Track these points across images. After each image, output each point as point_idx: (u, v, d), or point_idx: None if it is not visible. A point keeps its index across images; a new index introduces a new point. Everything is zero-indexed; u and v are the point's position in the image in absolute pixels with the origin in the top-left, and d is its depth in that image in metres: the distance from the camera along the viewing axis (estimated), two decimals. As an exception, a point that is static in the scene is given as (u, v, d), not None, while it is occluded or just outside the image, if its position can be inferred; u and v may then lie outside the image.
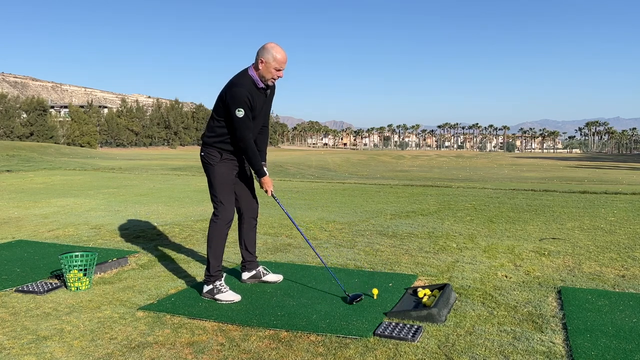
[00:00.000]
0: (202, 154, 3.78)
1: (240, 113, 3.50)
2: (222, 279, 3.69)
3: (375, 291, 3.60)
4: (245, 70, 3.61)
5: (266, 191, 3.82)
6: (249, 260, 4.01)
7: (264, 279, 4.01)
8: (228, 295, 3.59)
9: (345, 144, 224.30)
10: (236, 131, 3.57)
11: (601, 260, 4.59)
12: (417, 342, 2.82)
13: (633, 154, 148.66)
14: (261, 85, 3.60)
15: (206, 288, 3.66)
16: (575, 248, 5.04)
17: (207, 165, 3.77)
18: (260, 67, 3.54)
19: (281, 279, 4.05)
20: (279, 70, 3.56)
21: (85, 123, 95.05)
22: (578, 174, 39.99)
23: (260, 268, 4.05)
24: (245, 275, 4.04)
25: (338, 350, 2.74)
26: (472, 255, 4.82)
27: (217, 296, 3.59)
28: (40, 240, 5.68)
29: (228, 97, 3.54)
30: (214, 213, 3.75)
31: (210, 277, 3.65)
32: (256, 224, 4.06)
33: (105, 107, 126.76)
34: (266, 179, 3.77)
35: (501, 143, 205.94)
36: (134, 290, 3.83)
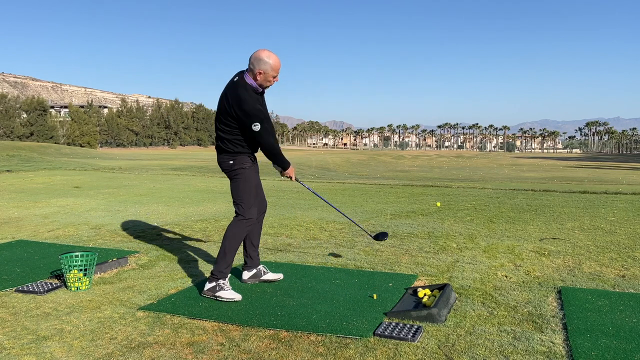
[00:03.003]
0: (231, 162, 3.78)
1: (257, 127, 3.60)
2: (227, 278, 3.71)
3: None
4: (243, 79, 3.66)
5: (290, 178, 3.99)
6: (251, 255, 4.02)
7: (264, 277, 4.01)
8: (229, 294, 3.60)
9: (345, 144, 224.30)
10: (261, 141, 3.69)
11: (601, 260, 4.59)
12: (417, 342, 2.82)
13: (633, 154, 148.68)
14: (260, 90, 3.74)
15: (208, 285, 3.65)
16: (575, 248, 5.04)
17: (237, 171, 3.79)
18: (258, 78, 3.64)
19: (281, 277, 4.07)
20: (276, 76, 3.71)
21: (85, 123, 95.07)
22: (578, 174, 40.00)
23: (261, 267, 4.07)
24: (246, 275, 4.04)
25: (338, 350, 2.74)
26: (472, 255, 4.82)
27: (218, 293, 3.60)
28: (40, 240, 5.68)
29: (241, 114, 3.60)
30: (239, 214, 3.78)
31: (217, 274, 3.65)
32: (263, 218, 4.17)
33: (105, 107, 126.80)
34: (291, 169, 3.95)
35: (501, 143, 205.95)
36: (134, 290, 3.83)
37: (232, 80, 3.72)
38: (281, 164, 3.87)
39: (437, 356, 2.66)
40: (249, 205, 3.77)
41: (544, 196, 9.27)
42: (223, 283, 3.65)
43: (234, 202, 3.82)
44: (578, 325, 3.04)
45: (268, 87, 3.74)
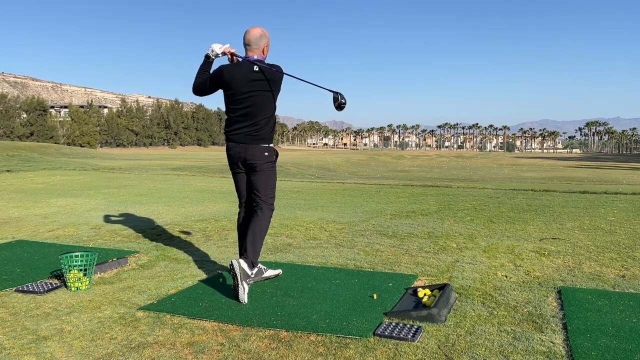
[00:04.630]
0: (267, 153, 3.86)
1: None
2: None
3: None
4: (263, 62, 3.83)
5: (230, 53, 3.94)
6: (246, 248, 4.04)
7: (265, 275, 4.02)
8: (273, 271, 4.01)
9: (345, 144, 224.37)
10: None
11: (601, 260, 4.59)
12: (417, 342, 2.82)
13: (633, 154, 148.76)
14: None
15: (252, 271, 3.69)
16: (575, 248, 5.04)
17: (273, 163, 3.92)
18: (265, 51, 3.87)
19: (281, 272, 4.12)
20: None
21: (85, 123, 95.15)
22: (578, 174, 40.02)
23: (261, 265, 4.07)
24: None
25: (338, 350, 2.74)
26: (472, 255, 4.82)
27: (265, 275, 3.93)
28: (40, 240, 5.67)
29: (279, 86, 3.87)
30: (269, 205, 3.91)
31: (255, 261, 3.75)
32: None
33: (105, 107, 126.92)
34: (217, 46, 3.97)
35: (501, 143, 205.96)
36: (134, 290, 3.83)
37: (254, 66, 3.76)
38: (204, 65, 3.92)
39: (437, 356, 2.66)
40: (275, 195, 3.97)
41: (544, 196, 9.27)
42: (260, 265, 3.90)
43: (262, 194, 3.88)
44: (578, 325, 3.04)
45: None
